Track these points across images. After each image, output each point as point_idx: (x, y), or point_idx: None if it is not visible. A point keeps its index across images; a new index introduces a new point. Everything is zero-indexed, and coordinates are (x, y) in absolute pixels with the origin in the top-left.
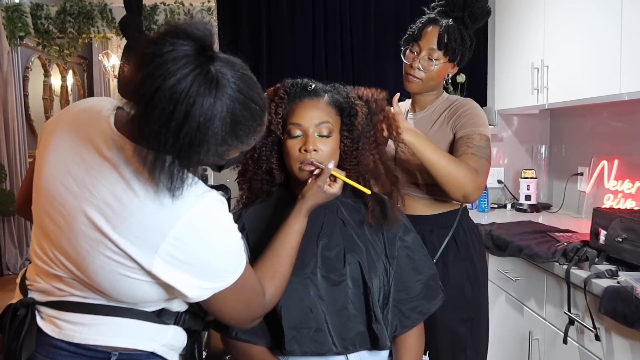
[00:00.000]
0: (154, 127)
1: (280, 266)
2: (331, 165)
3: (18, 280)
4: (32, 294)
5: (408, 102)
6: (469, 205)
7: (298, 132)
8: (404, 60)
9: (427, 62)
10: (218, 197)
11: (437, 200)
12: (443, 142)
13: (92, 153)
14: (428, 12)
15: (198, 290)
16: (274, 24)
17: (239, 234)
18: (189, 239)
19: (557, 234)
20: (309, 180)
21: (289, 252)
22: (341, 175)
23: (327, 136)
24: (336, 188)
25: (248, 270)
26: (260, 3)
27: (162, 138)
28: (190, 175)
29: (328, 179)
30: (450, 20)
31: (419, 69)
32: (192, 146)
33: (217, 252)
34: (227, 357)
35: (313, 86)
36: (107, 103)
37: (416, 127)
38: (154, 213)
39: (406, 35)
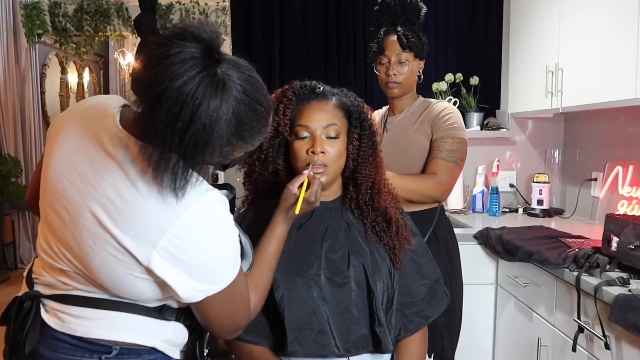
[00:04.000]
0: (160, 127)
1: (263, 274)
2: (306, 172)
3: (25, 273)
4: (37, 287)
5: (384, 108)
6: (478, 208)
7: (305, 134)
8: (379, 73)
9: (399, 65)
10: (220, 197)
11: (411, 201)
12: (424, 139)
13: (97, 150)
14: (372, 29)
15: (191, 291)
16: (287, 24)
17: (237, 237)
18: (187, 236)
19: (568, 239)
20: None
21: (268, 260)
22: (303, 180)
23: (335, 138)
24: (311, 195)
25: (240, 277)
26: (274, 3)
27: (167, 138)
28: (195, 174)
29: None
30: (399, 26)
31: (394, 74)
32: (198, 147)
33: (213, 251)
34: (232, 357)
35: (321, 88)
36: (113, 101)
37: (396, 128)
38: (155, 210)
39: (371, 54)
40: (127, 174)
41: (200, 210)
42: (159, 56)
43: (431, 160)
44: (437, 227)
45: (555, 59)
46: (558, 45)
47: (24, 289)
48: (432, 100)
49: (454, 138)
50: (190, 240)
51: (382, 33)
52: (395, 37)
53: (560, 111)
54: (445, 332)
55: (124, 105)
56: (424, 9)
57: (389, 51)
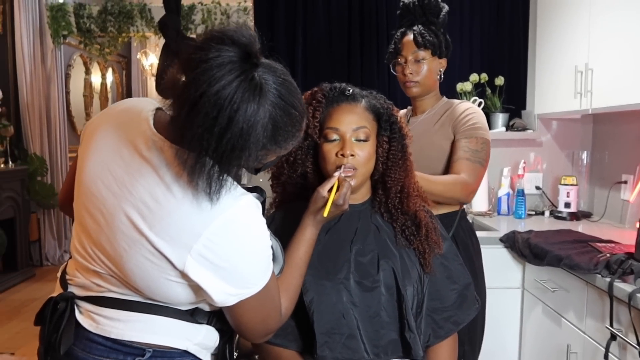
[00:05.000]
0: (197, 132)
1: (293, 278)
2: (336, 174)
3: (59, 274)
4: (71, 289)
5: (407, 108)
6: (503, 210)
7: (335, 137)
8: (397, 74)
9: (416, 64)
10: (253, 201)
11: (437, 202)
12: (445, 141)
13: (132, 153)
14: (394, 32)
15: (225, 295)
16: (310, 25)
17: (269, 242)
18: (221, 241)
19: (599, 244)
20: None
21: (298, 264)
22: (333, 183)
23: (365, 140)
24: (340, 197)
25: (272, 281)
26: (297, 4)
27: (204, 143)
28: (229, 179)
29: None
30: (415, 26)
31: (410, 73)
32: (234, 151)
33: (247, 256)
34: (256, 357)
35: (351, 91)
36: (147, 104)
37: (418, 129)
38: (190, 214)
39: (387, 54)
40: (162, 177)
41: (234, 214)
42: (197, 60)
43: (455, 160)
44: (457, 232)
45: (585, 59)
46: (588, 44)
47: (57, 290)
48: (454, 100)
49: (478, 138)
50: (225, 244)
51: (399, 34)
52: (411, 37)
53: (590, 112)
54: (466, 338)
55: (157, 109)
56: (445, 8)
57: (406, 51)
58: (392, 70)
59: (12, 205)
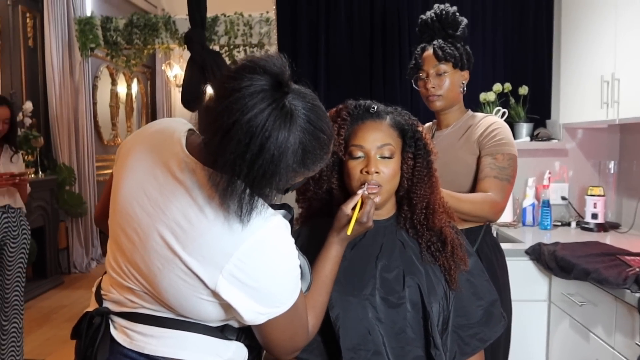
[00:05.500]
0: (230, 157)
1: (319, 295)
2: (360, 192)
3: (94, 289)
4: (106, 304)
5: (433, 121)
6: (528, 221)
7: (360, 154)
8: (420, 88)
9: (438, 78)
10: (282, 222)
11: (464, 219)
12: (470, 156)
13: (165, 175)
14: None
15: (254, 314)
16: (333, 36)
17: (298, 262)
18: (251, 262)
19: (627, 257)
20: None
21: (324, 281)
22: (357, 201)
23: (389, 157)
24: (364, 215)
25: (300, 300)
26: (319, 15)
27: (237, 168)
28: (260, 201)
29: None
30: (436, 40)
31: (433, 87)
32: (265, 176)
33: (276, 276)
34: None
35: (375, 108)
36: (179, 125)
37: (442, 143)
38: (221, 235)
39: (409, 70)
40: (194, 199)
41: (264, 236)
42: (230, 89)
43: (482, 178)
44: (480, 247)
45: (612, 69)
46: (614, 54)
47: (93, 305)
48: (479, 114)
49: (504, 154)
50: (255, 265)
51: (419, 50)
52: (431, 51)
53: (617, 122)
54: (488, 356)
55: (190, 130)
56: (464, 21)
57: (427, 65)
58: (414, 86)
59: (42, 214)
